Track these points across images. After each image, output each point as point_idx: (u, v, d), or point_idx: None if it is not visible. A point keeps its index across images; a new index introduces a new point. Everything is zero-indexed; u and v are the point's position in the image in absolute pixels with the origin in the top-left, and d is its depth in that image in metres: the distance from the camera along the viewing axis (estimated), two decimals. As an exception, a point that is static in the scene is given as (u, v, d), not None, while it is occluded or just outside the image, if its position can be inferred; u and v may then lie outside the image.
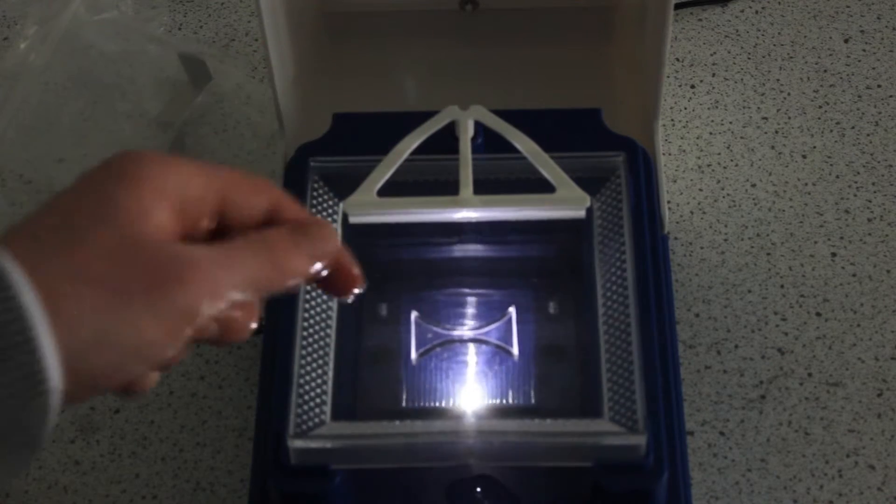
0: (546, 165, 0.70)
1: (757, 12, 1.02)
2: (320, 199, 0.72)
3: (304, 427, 0.64)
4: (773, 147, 0.93)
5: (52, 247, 0.42)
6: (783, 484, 0.77)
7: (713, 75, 0.98)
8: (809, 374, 0.82)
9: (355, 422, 0.68)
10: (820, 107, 0.95)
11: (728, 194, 0.90)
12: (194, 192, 0.47)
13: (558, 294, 0.75)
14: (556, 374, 0.72)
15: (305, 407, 0.65)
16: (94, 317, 0.42)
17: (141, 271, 0.43)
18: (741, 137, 0.94)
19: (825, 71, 0.98)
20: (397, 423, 0.65)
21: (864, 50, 0.99)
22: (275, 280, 0.48)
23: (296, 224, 0.50)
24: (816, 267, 0.87)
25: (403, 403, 0.71)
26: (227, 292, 0.45)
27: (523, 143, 0.71)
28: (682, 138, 0.94)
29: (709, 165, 0.92)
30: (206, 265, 0.45)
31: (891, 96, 0.96)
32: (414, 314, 0.73)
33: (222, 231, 0.49)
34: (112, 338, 0.42)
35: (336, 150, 0.75)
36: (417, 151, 0.71)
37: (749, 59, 0.99)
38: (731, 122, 0.95)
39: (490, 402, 0.71)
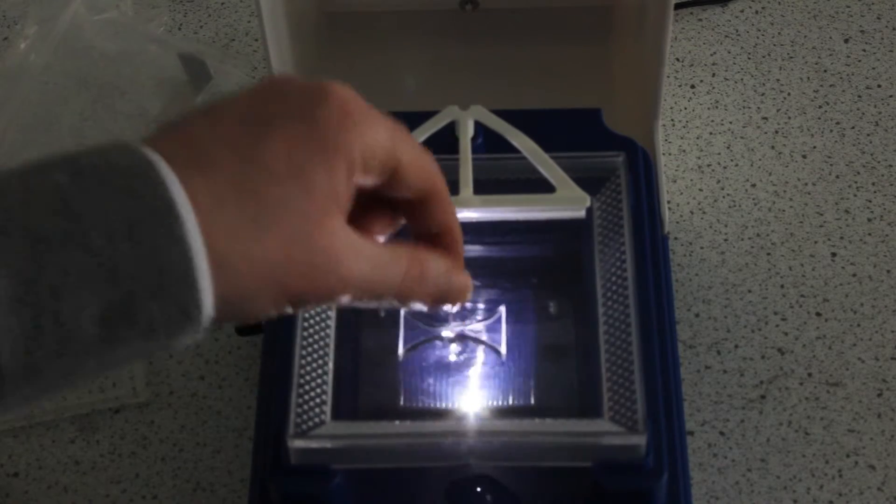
0: (546, 165, 0.70)
1: (757, 12, 1.02)
2: (320, 199, 0.72)
3: (304, 427, 0.64)
4: (773, 147, 0.93)
5: (235, 212, 0.42)
6: (783, 484, 0.77)
7: (713, 75, 0.98)
8: (809, 374, 0.82)
9: (355, 422, 0.68)
10: (820, 107, 0.95)
11: (728, 194, 0.90)
12: (378, 157, 0.46)
13: (558, 294, 0.75)
14: (556, 373, 0.72)
15: (305, 407, 0.65)
16: (244, 293, 0.43)
17: (304, 267, 0.44)
18: (741, 137, 0.94)
19: (825, 71, 0.98)
20: (397, 423, 0.65)
21: (864, 50, 0.99)
22: (397, 303, 0.49)
23: (439, 240, 0.52)
24: (816, 267, 0.87)
25: (403, 403, 0.71)
26: (355, 297, 0.47)
27: (523, 143, 0.70)
28: (682, 138, 0.94)
29: (709, 165, 0.92)
30: (357, 272, 0.46)
31: (891, 96, 0.96)
32: (414, 313, 0.73)
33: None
34: (249, 309, 0.44)
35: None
36: (417, 151, 0.71)
37: (749, 59, 0.99)
38: (731, 122, 0.95)
39: (490, 402, 0.71)
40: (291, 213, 0.43)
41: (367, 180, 0.47)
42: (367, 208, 0.50)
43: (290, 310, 0.45)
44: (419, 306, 0.51)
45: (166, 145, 0.42)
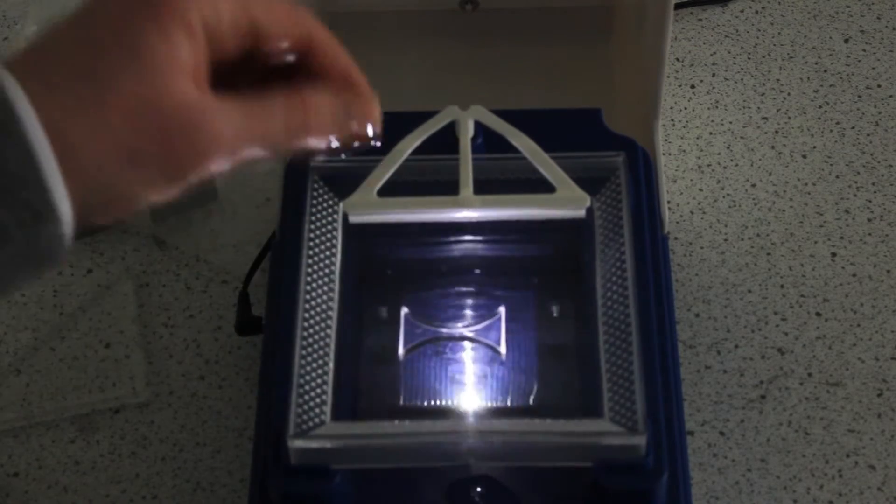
0: (546, 165, 0.70)
1: (757, 12, 1.02)
2: (320, 199, 0.72)
3: (304, 427, 0.64)
4: (773, 147, 0.93)
5: (70, 94, 0.41)
6: (783, 484, 0.77)
7: (713, 75, 0.98)
8: (809, 374, 0.82)
9: (355, 422, 0.68)
10: (820, 107, 0.96)
11: (728, 194, 0.90)
12: (224, 18, 0.45)
13: (558, 294, 0.75)
14: (556, 373, 0.72)
15: (305, 407, 0.65)
16: (103, 173, 0.42)
17: (158, 133, 0.42)
18: (741, 137, 0.94)
19: (825, 71, 0.98)
20: (397, 423, 0.65)
21: (864, 50, 0.99)
22: (297, 145, 0.47)
23: (339, 86, 0.49)
24: (816, 267, 0.87)
25: (403, 403, 0.71)
26: (244, 151, 0.45)
27: (523, 143, 0.70)
28: (682, 138, 0.94)
29: (709, 165, 0.92)
30: (228, 126, 0.44)
31: (891, 96, 0.96)
32: (414, 314, 0.73)
33: (248, 60, 0.47)
34: (119, 191, 0.42)
35: (336, 150, 0.75)
36: (417, 151, 0.71)
37: (749, 59, 0.99)
38: (731, 122, 0.95)
39: (490, 402, 0.71)
40: (129, 82, 0.42)
41: (225, 45, 0.45)
42: (262, 92, 0.49)
43: (172, 189, 0.44)
44: (324, 143, 0.48)
45: (11, 60, 0.42)
